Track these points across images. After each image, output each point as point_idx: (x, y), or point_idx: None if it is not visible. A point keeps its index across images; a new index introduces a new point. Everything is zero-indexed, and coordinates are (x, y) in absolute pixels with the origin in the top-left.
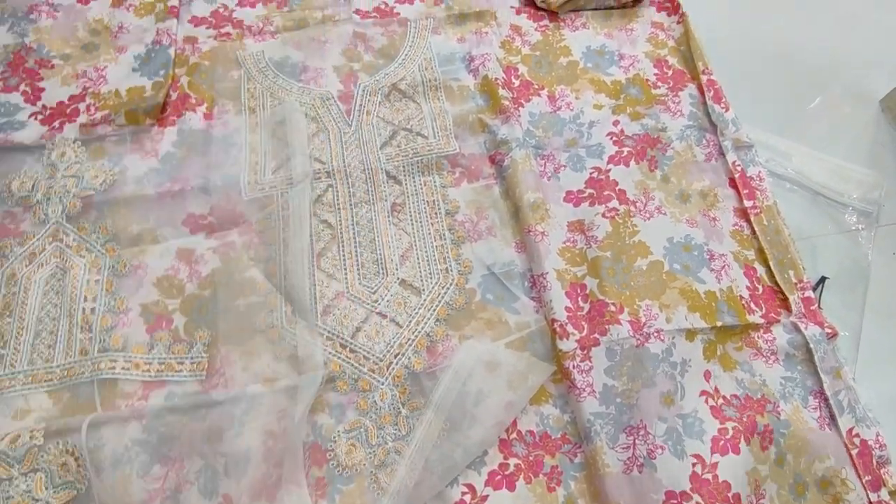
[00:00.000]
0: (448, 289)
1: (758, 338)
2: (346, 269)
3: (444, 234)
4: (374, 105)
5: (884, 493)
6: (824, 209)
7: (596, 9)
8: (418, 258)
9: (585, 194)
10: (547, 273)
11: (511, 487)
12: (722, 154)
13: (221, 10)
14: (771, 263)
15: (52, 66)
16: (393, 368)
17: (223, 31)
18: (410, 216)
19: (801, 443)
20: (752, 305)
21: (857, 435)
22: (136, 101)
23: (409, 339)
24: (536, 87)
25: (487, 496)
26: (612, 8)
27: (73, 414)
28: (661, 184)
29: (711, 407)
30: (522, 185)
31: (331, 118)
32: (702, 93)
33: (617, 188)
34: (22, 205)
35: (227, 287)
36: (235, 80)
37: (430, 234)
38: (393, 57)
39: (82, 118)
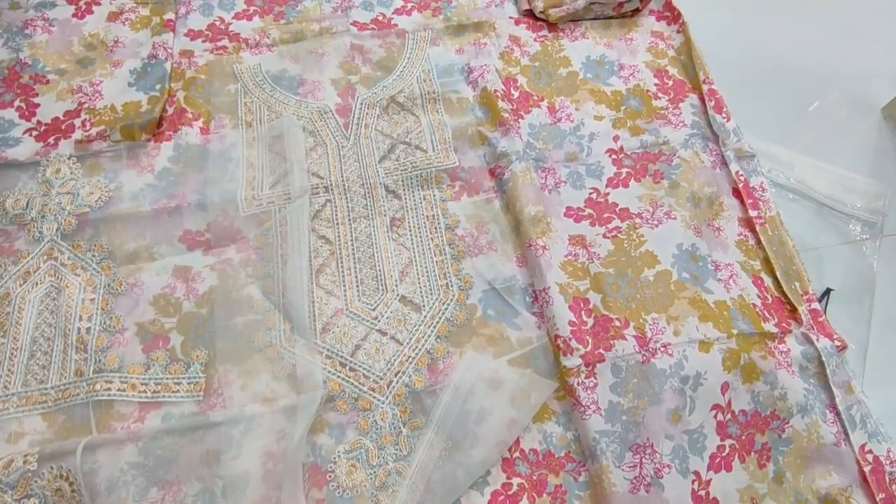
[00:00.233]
0: (448, 305)
1: (773, 348)
2: (345, 285)
3: (444, 249)
4: (372, 118)
5: None
6: (828, 219)
7: (595, 18)
8: (418, 274)
9: (585, 213)
10: (549, 287)
11: None
12: (725, 164)
13: (218, 23)
14: (778, 274)
15: (48, 82)
16: (393, 387)
17: (220, 44)
18: (410, 231)
19: (801, 460)
20: (766, 314)
21: (870, 451)
22: (131, 116)
23: (409, 357)
24: (536, 98)
25: None
26: (611, 17)
27: (67, 437)
28: (669, 191)
29: (718, 422)
30: (523, 199)
31: (329, 132)
32: (703, 103)
33: (617, 209)
34: (16, 223)
35: (225, 305)
36: (232, 94)
37: (429, 249)
38: (391, 69)
39: (77, 134)
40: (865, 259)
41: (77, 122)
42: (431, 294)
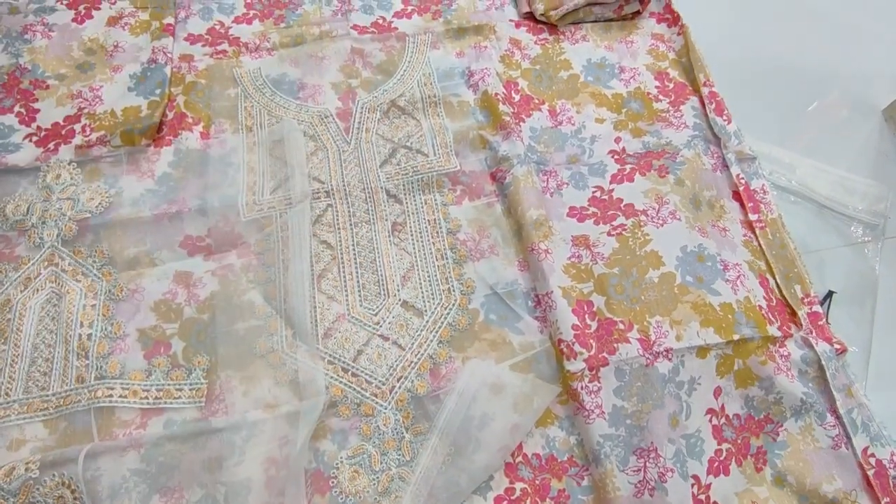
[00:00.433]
0: (451, 310)
1: (775, 352)
2: (346, 290)
3: (445, 254)
4: (372, 122)
5: None
6: (829, 222)
7: (595, 21)
8: (420, 278)
9: (589, 212)
10: (552, 292)
11: None
12: (726, 166)
13: (218, 27)
14: (777, 278)
15: (47, 87)
16: (396, 392)
17: (219, 48)
18: (411, 236)
19: (803, 464)
20: (771, 316)
21: (873, 455)
22: (131, 121)
23: (411, 362)
24: (537, 101)
25: None
26: (611, 20)
27: (69, 444)
28: (675, 187)
29: (713, 426)
30: (525, 203)
31: (329, 136)
32: (703, 105)
33: (622, 205)
34: (16, 229)
35: (226, 311)
36: (232, 99)
37: (431, 253)
38: (391, 73)
39: (78, 139)
40: (867, 261)
41: (77, 127)
42: (433, 299)
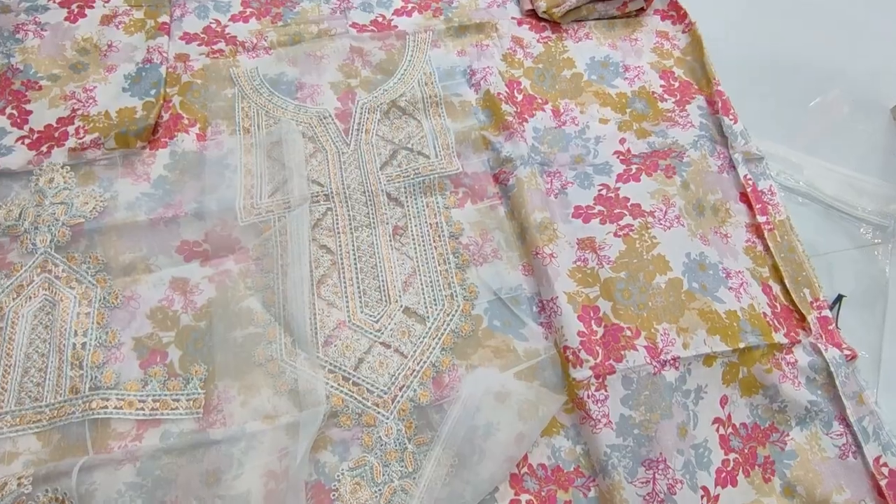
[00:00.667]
0: (453, 316)
1: (781, 359)
2: (347, 296)
3: (448, 258)
4: (373, 123)
5: None
6: (838, 223)
7: (599, 19)
8: (422, 284)
9: (595, 211)
10: (557, 297)
11: None
12: (733, 167)
13: (214, 25)
14: (786, 281)
15: (40, 88)
16: (398, 402)
17: (216, 47)
18: (413, 240)
19: (813, 474)
20: (776, 323)
21: (885, 464)
22: (126, 123)
23: (414, 371)
24: (540, 101)
25: None
26: (615, 17)
27: (63, 457)
28: (681, 190)
29: (721, 436)
30: (529, 205)
31: (328, 137)
32: (710, 104)
33: (629, 204)
34: (8, 234)
35: (224, 318)
36: (229, 99)
37: (433, 258)
38: (391, 72)
39: (71, 142)
40: (877, 264)
41: (70, 129)
42: (436, 305)
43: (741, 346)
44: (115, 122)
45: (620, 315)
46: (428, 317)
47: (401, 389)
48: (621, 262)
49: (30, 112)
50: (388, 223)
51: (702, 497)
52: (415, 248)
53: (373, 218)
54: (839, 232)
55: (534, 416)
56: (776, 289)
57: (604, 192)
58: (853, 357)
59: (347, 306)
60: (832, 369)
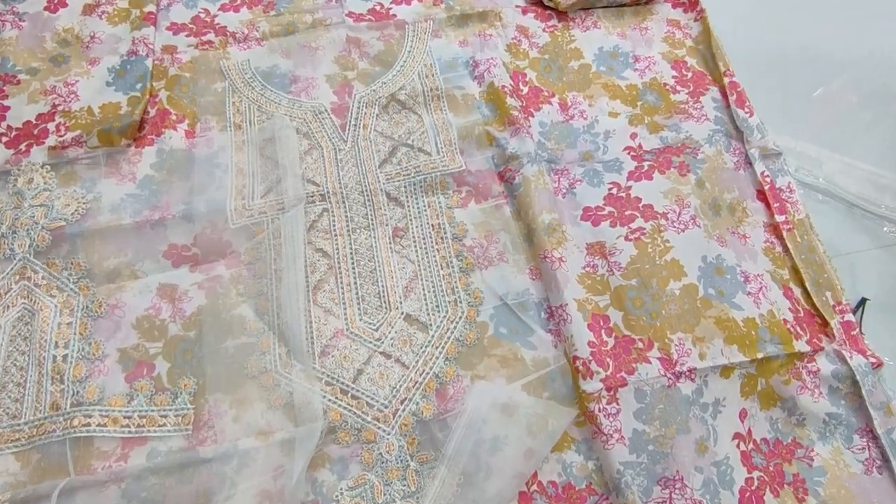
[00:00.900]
0: (457, 323)
1: (802, 368)
2: (345, 303)
3: (451, 262)
4: (371, 118)
5: None
6: (860, 222)
7: (607, 6)
8: (424, 289)
9: (605, 212)
10: (567, 304)
11: None
12: (749, 163)
13: (203, 15)
14: (807, 284)
15: (18, 82)
16: (400, 416)
17: (205, 38)
18: (414, 242)
19: (845, 491)
20: (798, 329)
21: None
22: (110, 120)
23: (416, 382)
24: (547, 93)
25: None
26: (624, 5)
27: (42, 478)
28: (696, 189)
29: (742, 452)
30: (536, 206)
31: (324, 133)
32: (724, 97)
33: (641, 205)
34: None
35: (215, 327)
36: (219, 94)
37: (435, 261)
38: (390, 64)
39: (51, 140)
40: None
41: (51, 126)
42: (438, 311)
43: (759, 356)
44: (99, 119)
45: (632, 326)
46: (430, 324)
47: (402, 403)
48: (632, 268)
49: (7, 108)
50: (387, 224)
51: None
52: (416, 251)
53: (371, 219)
54: (861, 231)
55: (543, 431)
56: (797, 292)
57: (614, 191)
58: (879, 365)
59: (345, 314)
60: (858, 378)
